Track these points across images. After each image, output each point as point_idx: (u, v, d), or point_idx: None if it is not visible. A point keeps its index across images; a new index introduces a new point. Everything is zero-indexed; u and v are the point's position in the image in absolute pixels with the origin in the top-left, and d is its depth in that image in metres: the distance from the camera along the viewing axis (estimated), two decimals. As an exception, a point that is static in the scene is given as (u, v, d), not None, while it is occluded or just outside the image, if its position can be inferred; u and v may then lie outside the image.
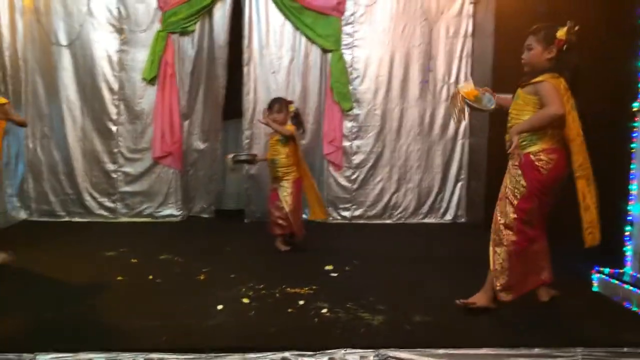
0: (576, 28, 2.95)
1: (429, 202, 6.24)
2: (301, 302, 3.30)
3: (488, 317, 3.10)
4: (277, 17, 5.97)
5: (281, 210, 4.66)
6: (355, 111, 6.10)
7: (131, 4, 5.82)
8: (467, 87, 3.22)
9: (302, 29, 5.96)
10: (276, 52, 6.00)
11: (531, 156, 3.03)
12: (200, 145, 6.16)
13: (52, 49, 5.80)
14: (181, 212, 6.06)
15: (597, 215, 2.98)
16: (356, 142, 6.14)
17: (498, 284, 3.07)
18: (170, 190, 6.03)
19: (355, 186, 6.15)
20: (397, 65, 6.04)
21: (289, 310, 3.18)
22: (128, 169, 5.96)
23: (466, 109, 3.24)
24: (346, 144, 6.15)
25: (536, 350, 2.71)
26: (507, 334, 2.90)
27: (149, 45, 5.85)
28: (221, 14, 5.95)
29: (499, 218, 3.11)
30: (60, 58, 5.81)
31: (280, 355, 2.62)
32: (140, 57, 5.87)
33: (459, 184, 6.24)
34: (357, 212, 6.16)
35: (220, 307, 3.19)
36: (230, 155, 4.94)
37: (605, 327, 3.03)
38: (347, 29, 6.03)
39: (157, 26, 5.85)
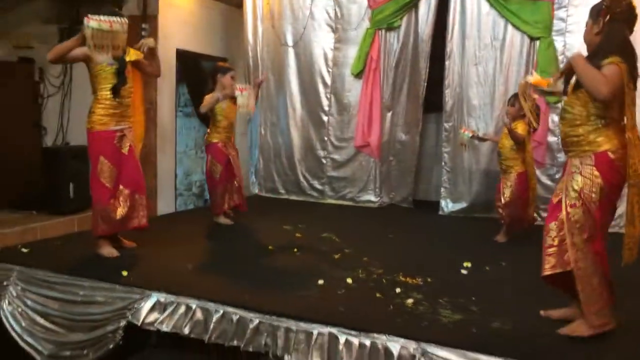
0: None
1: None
2: (398, 290, 3.35)
3: (579, 340, 2.70)
4: (481, 7, 5.80)
5: (500, 200, 4.76)
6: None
7: (345, 4, 6.37)
8: (535, 77, 2.88)
9: (508, 16, 5.68)
10: (478, 44, 5.84)
11: (609, 154, 2.58)
12: (402, 136, 6.40)
13: (282, 50, 6.73)
14: (379, 198, 6.41)
15: None
16: (562, 138, 5.57)
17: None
18: (370, 178, 6.44)
19: (558, 186, 5.60)
20: (617, 51, 5.27)
21: (378, 295, 3.28)
22: (335, 155, 6.57)
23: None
24: (551, 139, 5.65)
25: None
26: (577, 353, 2.51)
27: (358, 42, 6.32)
28: (426, 8, 6.08)
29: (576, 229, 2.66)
30: (287, 57, 6.71)
31: (327, 329, 2.80)
32: (351, 53, 6.39)
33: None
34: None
35: (320, 282, 3.47)
36: (468, 132, 5.14)
37: None
38: (559, 13, 5.54)
39: (366, 24, 6.28)
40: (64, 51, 3.72)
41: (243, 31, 6.86)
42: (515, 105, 4.68)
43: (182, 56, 6.74)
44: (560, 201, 2.73)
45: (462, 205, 5.98)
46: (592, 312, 2.69)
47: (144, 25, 6.22)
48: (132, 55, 3.90)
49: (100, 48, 3.62)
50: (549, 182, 5.65)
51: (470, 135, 5.13)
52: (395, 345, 2.65)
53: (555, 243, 2.75)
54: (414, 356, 2.60)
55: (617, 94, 2.57)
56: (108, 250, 3.87)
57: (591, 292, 2.66)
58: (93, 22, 3.55)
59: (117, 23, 3.61)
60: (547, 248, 2.80)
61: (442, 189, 6.09)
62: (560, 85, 2.86)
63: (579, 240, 2.65)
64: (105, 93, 3.78)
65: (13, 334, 3.44)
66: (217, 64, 5.08)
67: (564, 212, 2.70)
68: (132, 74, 3.96)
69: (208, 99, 4.79)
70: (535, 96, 3.07)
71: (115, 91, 3.78)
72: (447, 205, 6.05)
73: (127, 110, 3.90)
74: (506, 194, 4.70)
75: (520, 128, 4.63)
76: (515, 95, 4.73)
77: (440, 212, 6.08)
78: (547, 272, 2.79)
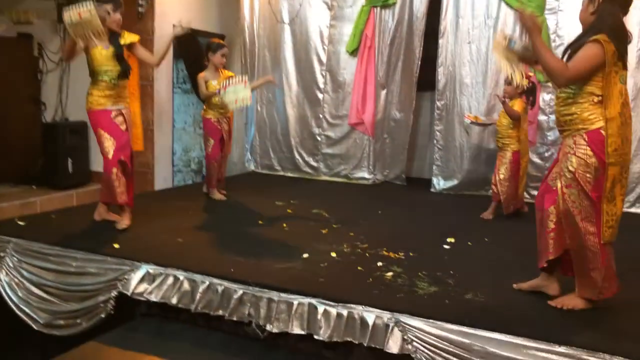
0: None
1: (638, 189, 5.38)
2: (379, 264, 3.47)
3: (546, 309, 2.82)
4: (476, -15, 5.81)
5: (495, 177, 4.87)
6: (556, 82, 5.57)
7: (342, -19, 6.38)
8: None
9: (502, -5, 5.68)
10: (471, 22, 5.86)
11: (602, 132, 2.64)
12: (396, 114, 6.46)
13: (278, 27, 6.76)
14: (372, 175, 6.50)
15: (621, 210, 2.48)
16: (554, 117, 5.61)
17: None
18: (363, 155, 6.52)
19: (548, 165, 5.67)
20: (609, 31, 5.29)
21: (359, 268, 3.39)
22: (330, 133, 6.65)
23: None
24: (542, 117, 5.71)
25: (559, 348, 2.42)
26: (544, 326, 2.61)
27: (354, 20, 6.35)
28: (421, -15, 6.07)
29: (572, 209, 2.73)
30: (283, 34, 6.74)
31: (307, 300, 2.91)
32: (346, 31, 6.43)
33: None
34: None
35: (305, 255, 3.59)
36: (471, 116, 5.23)
37: None
38: (552, -8, 5.52)
39: (361, 1, 6.29)
40: (69, 50, 3.87)
41: (240, 8, 6.88)
42: (512, 84, 4.72)
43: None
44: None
45: (454, 182, 6.07)
46: (584, 290, 2.80)
47: (140, 2, 6.27)
48: (126, 38, 3.95)
49: (83, 37, 3.71)
50: (538, 161, 5.73)
51: (470, 121, 5.20)
52: (371, 315, 2.77)
53: (554, 226, 2.84)
54: (387, 325, 2.71)
55: (586, 74, 2.63)
56: (100, 216, 4.13)
57: (583, 270, 2.76)
58: (65, 17, 3.63)
59: (84, 12, 3.64)
60: (549, 232, 2.88)
61: (434, 167, 6.17)
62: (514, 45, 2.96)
63: (573, 221, 2.72)
64: (100, 76, 3.87)
65: (10, 303, 3.58)
66: (209, 41, 5.14)
67: (560, 193, 2.76)
68: (129, 56, 4.01)
69: (203, 86, 4.94)
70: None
71: (125, 74, 3.90)
72: (439, 183, 6.13)
73: (123, 91, 3.99)
74: (502, 171, 4.81)
75: (517, 106, 4.69)
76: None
77: (432, 190, 6.17)
78: (551, 257, 2.88)
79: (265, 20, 6.83)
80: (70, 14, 3.62)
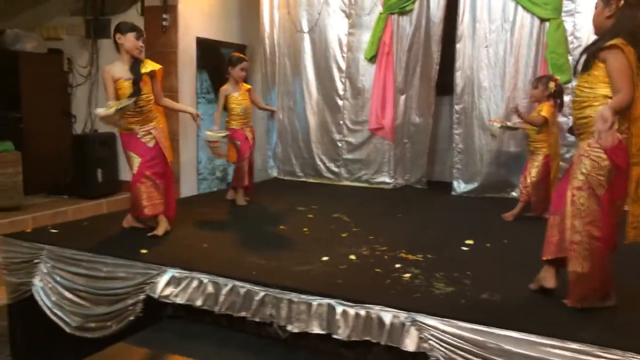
0: None
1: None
2: (397, 266, 3.54)
3: (560, 307, 2.86)
4: (492, -11, 5.86)
5: (526, 180, 4.89)
6: (574, 84, 5.58)
7: (359, -11, 6.49)
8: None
9: (518, -2, 5.73)
10: (489, 26, 5.91)
11: (617, 134, 2.65)
12: (416, 119, 6.53)
13: (297, 36, 6.89)
14: (393, 180, 6.58)
15: None
16: (573, 118, 5.63)
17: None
18: (384, 160, 6.59)
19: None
20: (626, 31, 5.29)
21: (377, 270, 3.47)
22: (350, 138, 6.75)
23: None
24: (562, 119, 5.69)
25: (573, 345, 2.47)
26: (558, 324, 2.66)
27: (371, 27, 6.45)
28: (437, -8, 6.15)
29: (579, 211, 2.75)
30: (303, 43, 6.87)
31: (326, 300, 3.01)
32: (364, 38, 6.53)
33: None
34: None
35: (325, 258, 3.69)
36: (497, 123, 5.24)
37: None
38: (569, -6, 5.55)
39: (379, 9, 6.39)
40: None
41: (260, 18, 7.04)
42: (538, 87, 4.81)
43: (202, 44, 6.97)
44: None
45: (474, 185, 6.11)
46: (576, 293, 2.82)
47: (164, 16, 6.48)
48: (148, 66, 4.10)
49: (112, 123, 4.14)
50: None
51: (499, 125, 5.20)
52: (388, 315, 2.84)
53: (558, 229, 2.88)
54: (404, 324, 2.79)
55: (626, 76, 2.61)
56: (128, 223, 4.34)
57: (580, 275, 2.77)
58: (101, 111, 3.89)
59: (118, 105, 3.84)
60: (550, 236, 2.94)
61: (454, 170, 6.21)
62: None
63: (579, 223, 2.74)
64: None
65: (44, 307, 3.76)
66: (230, 56, 5.30)
67: (569, 194, 2.79)
68: (148, 83, 4.13)
69: (221, 101, 5.24)
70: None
71: (134, 101, 4.01)
72: (460, 186, 6.18)
73: (149, 115, 4.12)
74: (532, 173, 4.81)
75: (545, 110, 4.72)
76: (539, 79, 4.88)
77: (453, 193, 6.21)
78: (546, 257, 2.96)
79: (285, 29, 6.97)
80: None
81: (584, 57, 2.84)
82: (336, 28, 6.67)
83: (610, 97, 2.69)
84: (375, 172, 6.65)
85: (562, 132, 5.71)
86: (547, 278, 3.01)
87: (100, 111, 3.88)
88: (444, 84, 6.30)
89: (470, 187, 6.13)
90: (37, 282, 3.81)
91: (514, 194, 5.88)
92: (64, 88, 6.98)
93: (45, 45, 6.83)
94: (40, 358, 3.91)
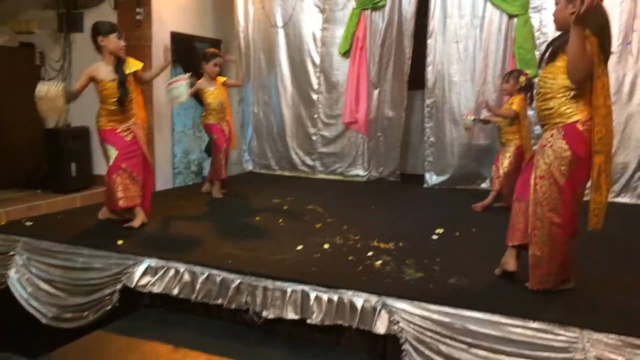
0: None
1: (623, 180, 5.56)
2: (370, 254, 3.65)
3: (522, 290, 3.00)
4: (462, -15, 6.00)
5: (497, 172, 5.02)
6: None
7: (333, -15, 6.58)
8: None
9: (487, -6, 5.88)
10: (458, 22, 6.05)
11: (578, 126, 2.78)
12: (389, 113, 6.64)
13: (271, 31, 6.95)
14: (367, 172, 6.69)
15: (606, 198, 2.62)
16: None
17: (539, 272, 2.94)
18: (358, 153, 6.71)
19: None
20: (591, 27, 5.47)
21: (350, 258, 3.58)
22: (325, 132, 6.84)
23: None
24: (531, 112, 5.86)
25: (533, 324, 2.61)
26: (520, 305, 2.79)
27: (345, 22, 6.54)
28: (409, -13, 6.26)
29: (541, 199, 2.88)
30: (277, 38, 6.94)
31: (300, 287, 3.10)
32: (338, 33, 6.62)
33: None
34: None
35: (299, 247, 3.77)
36: (471, 117, 5.33)
37: None
38: (536, -10, 5.72)
39: (352, 4, 6.49)
40: (73, 97, 4.06)
41: (234, 13, 7.08)
42: (509, 82, 4.95)
43: (177, 38, 6.97)
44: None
45: (445, 177, 6.25)
46: (536, 275, 2.96)
47: (138, 10, 6.46)
48: (131, 66, 4.15)
49: (45, 111, 3.95)
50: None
51: (473, 118, 5.33)
52: (359, 299, 2.95)
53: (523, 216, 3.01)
54: (375, 308, 2.90)
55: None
56: (104, 215, 4.38)
57: (540, 258, 2.92)
58: (36, 91, 3.83)
59: (52, 90, 3.83)
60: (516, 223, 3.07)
61: (426, 163, 6.35)
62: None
63: (540, 210, 2.88)
64: (109, 105, 4.09)
65: (20, 299, 3.77)
66: (204, 51, 5.34)
67: (532, 183, 2.92)
68: (132, 82, 4.19)
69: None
70: None
71: (121, 102, 4.09)
72: (431, 178, 6.32)
73: (130, 113, 4.20)
74: (505, 164, 4.95)
75: (516, 103, 4.86)
76: (510, 73, 5.02)
77: (425, 185, 6.35)
78: (512, 243, 3.10)
79: (259, 24, 7.03)
80: (41, 88, 3.83)
81: (550, 50, 2.95)
82: (310, 23, 6.75)
83: (572, 89, 2.79)
84: (349, 165, 6.76)
85: (532, 125, 5.90)
86: (509, 262, 3.15)
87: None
88: (416, 78, 6.42)
89: (441, 179, 6.28)
90: (12, 274, 3.82)
91: (484, 185, 6.06)
92: (36, 82, 6.89)
93: (17, 39, 6.76)
94: (18, 349, 3.91)
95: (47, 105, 3.85)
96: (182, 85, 4.33)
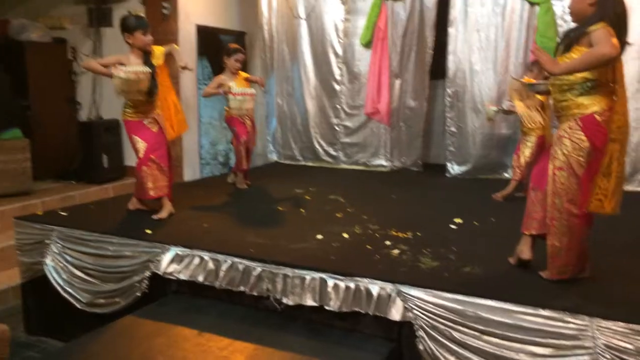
0: None
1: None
2: (387, 243, 3.75)
3: (536, 279, 3.07)
4: (483, -26, 6.00)
5: (518, 160, 5.07)
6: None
7: (354, -24, 6.63)
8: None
9: (508, -18, 5.86)
10: (480, 10, 6.05)
11: (596, 116, 2.81)
12: (411, 103, 6.69)
13: (295, 22, 7.05)
14: (389, 163, 6.77)
15: (616, 187, 2.65)
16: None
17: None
18: (380, 143, 6.79)
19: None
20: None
21: (368, 246, 3.69)
22: (347, 122, 6.93)
23: None
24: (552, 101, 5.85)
25: (544, 312, 2.68)
26: (532, 293, 2.87)
27: (367, 13, 6.60)
28: (431, -23, 6.28)
29: (560, 190, 2.92)
30: (300, 29, 7.03)
31: (318, 274, 3.23)
32: (360, 24, 6.69)
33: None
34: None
35: (319, 236, 3.90)
36: (493, 107, 5.37)
37: None
38: (559, -23, 5.69)
39: (374, -5, 6.54)
40: (95, 71, 4.22)
41: (258, 5, 7.19)
42: (533, 71, 4.92)
43: (202, 32, 7.13)
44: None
45: (467, 167, 6.29)
46: (555, 266, 3.01)
47: (165, 4, 6.63)
48: (157, 56, 4.26)
49: (127, 93, 4.06)
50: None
51: (496, 109, 5.33)
52: (375, 287, 3.06)
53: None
54: (390, 295, 3.01)
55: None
56: (134, 205, 4.54)
57: (558, 249, 2.97)
58: (121, 73, 3.93)
59: (142, 73, 3.99)
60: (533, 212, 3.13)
61: (447, 152, 6.40)
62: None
63: (559, 201, 2.92)
64: (137, 96, 4.15)
65: (56, 285, 4.00)
66: (227, 46, 5.46)
67: (550, 173, 2.96)
68: (160, 73, 4.33)
69: (211, 84, 5.36)
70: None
71: (150, 94, 4.21)
72: (453, 168, 6.36)
73: (154, 103, 4.33)
74: (526, 153, 4.98)
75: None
76: (534, 62, 4.95)
77: (447, 175, 6.40)
78: (529, 232, 3.16)
79: (282, 16, 7.13)
80: (128, 72, 3.93)
81: (566, 41, 2.97)
82: (332, 14, 6.82)
83: (590, 80, 2.81)
84: (372, 155, 6.84)
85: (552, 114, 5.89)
86: (524, 251, 3.21)
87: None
88: (438, 68, 6.45)
89: (463, 169, 6.32)
90: (48, 261, 4.04)
91: (506, 175, 6.07)
92: (69, 76, 7.15)
93: (50, 35, 7.00)
94: (53, 333, 4.15)
95: (131, 87, 4.00)
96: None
